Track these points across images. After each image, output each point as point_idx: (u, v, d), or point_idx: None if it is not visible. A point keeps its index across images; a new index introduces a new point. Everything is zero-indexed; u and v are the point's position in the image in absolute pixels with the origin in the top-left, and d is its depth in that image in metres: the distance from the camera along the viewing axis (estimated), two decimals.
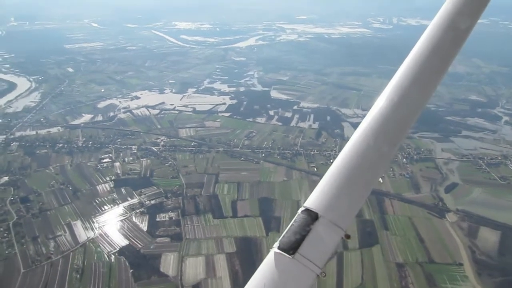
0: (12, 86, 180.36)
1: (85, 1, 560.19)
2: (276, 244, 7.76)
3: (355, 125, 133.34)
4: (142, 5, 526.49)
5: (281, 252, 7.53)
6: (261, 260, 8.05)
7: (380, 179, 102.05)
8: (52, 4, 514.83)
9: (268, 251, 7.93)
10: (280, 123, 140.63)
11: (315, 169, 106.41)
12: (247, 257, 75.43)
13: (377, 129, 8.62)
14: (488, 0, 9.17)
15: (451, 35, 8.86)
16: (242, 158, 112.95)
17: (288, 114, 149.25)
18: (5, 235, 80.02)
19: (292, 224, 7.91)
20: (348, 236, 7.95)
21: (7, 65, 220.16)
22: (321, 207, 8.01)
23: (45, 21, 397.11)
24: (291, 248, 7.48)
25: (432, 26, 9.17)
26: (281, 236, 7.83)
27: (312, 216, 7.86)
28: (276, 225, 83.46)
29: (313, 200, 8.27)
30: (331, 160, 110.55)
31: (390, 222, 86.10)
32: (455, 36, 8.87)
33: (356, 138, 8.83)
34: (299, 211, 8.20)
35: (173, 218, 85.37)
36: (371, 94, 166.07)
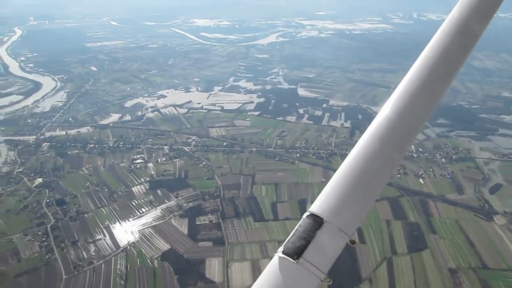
0: (37, 86, 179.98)
1: (102, 0, 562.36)
2: (281, 249, 7.59)
3: None
4: (158, 2, 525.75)
5: (285, 256, 7.38)
6: None
7: (421, 180, 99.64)
8: (69, 3, 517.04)
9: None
10: (311, 122, 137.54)
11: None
12: None
13: (384, 135, 8.50)
14: (497, 6, 9.07)
15: (459, 40, 8.84)
16: (277, 159, 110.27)
17: (318, 113, 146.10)
18: (44, 239, 78.55)
19: (297, 229, 7.78)
20: (353, 242, 7.80)
21: (31, 64, 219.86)
22: (326, 212, 7.89)
23: (64, 20, 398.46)
24: (296, 253, 7.33)
25: (440, 31, 9.11)
26: (286, 241, 7.67)
27: (317, 221, 7.75)
28: None
29: (318, 205, 8.13)
30: None
31: (437, 225, 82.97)
32: (464, 42, 8.86)
33: (362, 143, 8.71)
34: (304, 215, 8.04)
35: (213, 221, 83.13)
36: None
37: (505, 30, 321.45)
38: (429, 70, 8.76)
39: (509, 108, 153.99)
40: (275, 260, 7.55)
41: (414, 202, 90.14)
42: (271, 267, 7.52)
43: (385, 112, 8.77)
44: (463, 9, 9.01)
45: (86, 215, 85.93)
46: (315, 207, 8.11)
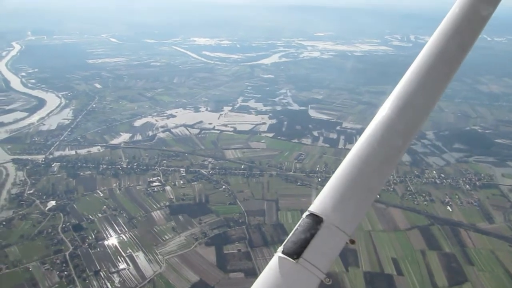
0: (41, 102, 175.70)
1: (100, 16, 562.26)
2: (280, 249, 7.40)
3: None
4: (157, 20, 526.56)
5: (285, 256, 7.21)
6: None
7: (449, 208, 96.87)
8: (67, 19, 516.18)
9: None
10: (327, 145, 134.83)
11: (378, 196, 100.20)
12: None
13: (383, 134, 8.23)
14: (495, 5, 8.78)
15: (457, 40, 8.59)
16: (299, 183, 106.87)
17: (333, 135, 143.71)
18: (63, 268, 73.91)
19: (297, 229, 7.60)
20: (352, 241, 7.57)
21: (33, 80, 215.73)
22: (326, 211, 7.69)
23: (63, 35, 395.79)
24: (295, 252, 7.15)
25: (438, 31, 8.87)
26: (285, 241, 7.48)
27: (316, 221, 7.56)
28: (354, 259, 77.29)
29: (318, 205, 7.90)
30: (392, 186, 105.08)
31: (473, 256, 79.87)
32: (462, 41, 8.62)
33: (361, 142, 8.40)
34: (304, 215, 7.82)
35: (242, 250, 79.15)
36: None
37: (504, 54, 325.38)
38: (428, 69, 8.54)
39: None
40: (274, 260, 7.40)
41: (445, 231, 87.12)
42: (271, 267, 7.36)
43: (383, 112, 8.52)
44: (461, 8, 8.78)
45: (106, 242, 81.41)
46: (315, 206, 7.92)
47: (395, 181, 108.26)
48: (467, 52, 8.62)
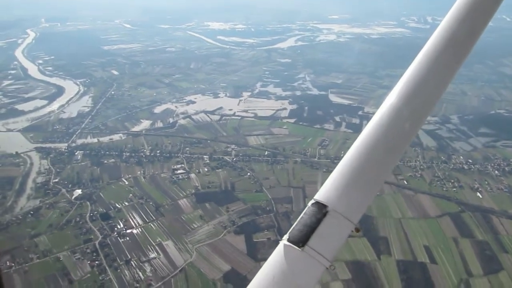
0: (60, 90, 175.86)
1: (112, 2, 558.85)
2: (286, 236, 7.36)
3: (430, 133, 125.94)
4: (170, 5, 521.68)
5: (290, 244, 7.18)
6: None
7: (479, 194, 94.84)
8: (79, 6, 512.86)
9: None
10: (350, 130, 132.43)
11: (405, 182, 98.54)
12: (366, 286, 68.42)
13: (390, 123, 8.05)
14: None
15: (469, 23, 8.32)
16: (324, 170, 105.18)
17: (356, 121, 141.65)
18: (94, 257, 73.82)
19: (302, 217, 7.53)
20: (358, 230, 7.48)
21: (50, 68, 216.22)
22: (331, 200, 7.61)
23: (77, 22, 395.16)
24: (301, 240, 7.11)
25: (449, 15, 8.53)
26: (291, 229, 7.41)
27: (322, 209, 7.48)
28: (386, 247, 76.13)
29: (323, 193, 7.81)
30: (419, 172, 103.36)
31: (507, 243, 78.21)
32: (473, 25, 8.37)
33: (368, 131, 8.21)
34: (309, 203, 7.74)
35: (271, 239, 78.16)
36: None
37: None
38: (438, 55, 8.23)
39: None
40: (280, 247, 7.32)
41: (477, 218, 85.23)
42: (276, 255, 7.30)
43: (391, 99, 8.28)
44: None
45: (134, 231, 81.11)
46: (320, 194, 7.79)
47: (422, 167, 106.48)
48: (478, 36, 8.38)
